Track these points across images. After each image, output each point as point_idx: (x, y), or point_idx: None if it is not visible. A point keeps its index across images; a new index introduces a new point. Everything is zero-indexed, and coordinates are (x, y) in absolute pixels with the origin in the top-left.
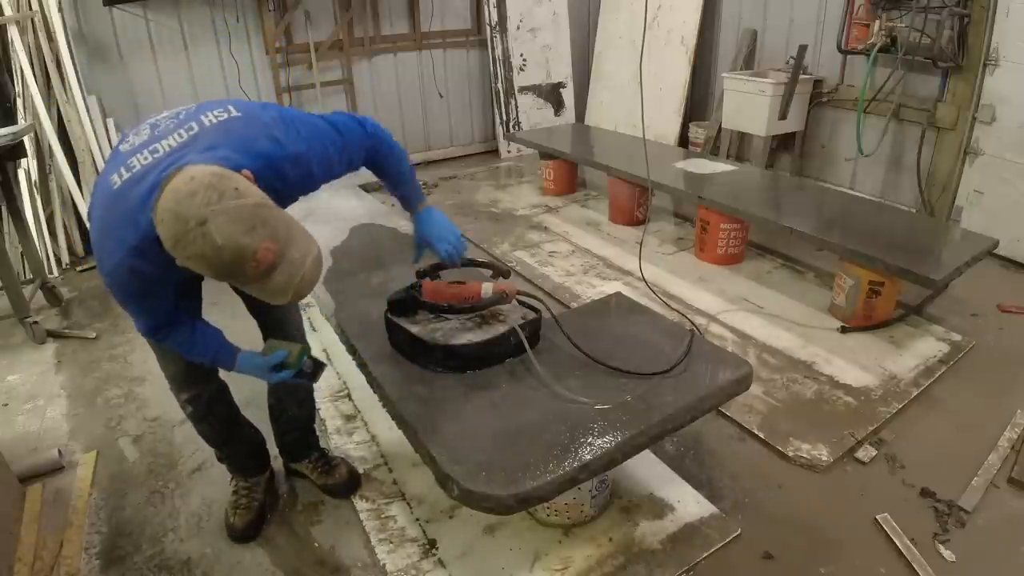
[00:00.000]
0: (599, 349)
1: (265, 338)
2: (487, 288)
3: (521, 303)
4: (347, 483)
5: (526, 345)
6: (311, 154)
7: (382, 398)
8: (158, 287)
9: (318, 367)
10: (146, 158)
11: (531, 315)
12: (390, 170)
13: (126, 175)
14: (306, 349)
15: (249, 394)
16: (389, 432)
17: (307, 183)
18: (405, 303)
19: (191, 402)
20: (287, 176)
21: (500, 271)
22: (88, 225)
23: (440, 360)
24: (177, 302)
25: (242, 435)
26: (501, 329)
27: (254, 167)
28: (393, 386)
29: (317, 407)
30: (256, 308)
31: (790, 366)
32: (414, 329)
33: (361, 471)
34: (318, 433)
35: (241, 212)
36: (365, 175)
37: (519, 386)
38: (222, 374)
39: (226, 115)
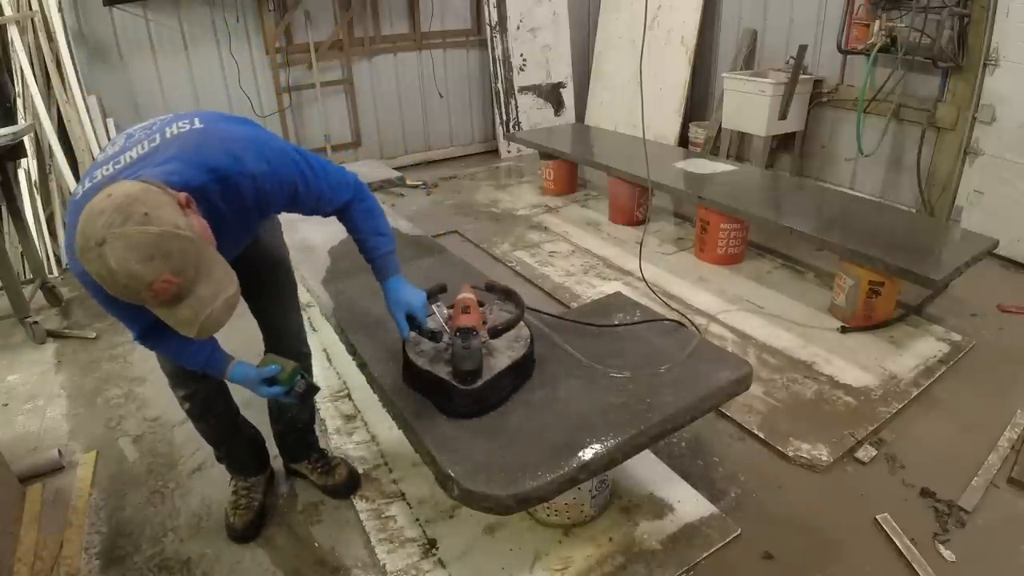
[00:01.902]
0: (598, 347)
1: (266, 340)
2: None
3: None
4: (347, 484)
5: (539, 326)
6: (271, 177)
7: (382, 398)
8: None
9: (310, 389)
10: (108, 170)
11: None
12: (366, 227)
13: (88, 185)
14: (300, 369)
15: (249, 394)
16: (389, 432)
17: (265, 204)
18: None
19: (187, 399)
20: (243, 193)
21: (438, 289)
22: None
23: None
24: None
25: (241, 434)
26: (525, 331)
27: (206, 180)
28: (393, 386)
29: (317, 408)
30: (257, 308)
31: (790, 366)
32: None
33: (361, 471)
34: (318, 433)
35: (141, 240)
36: (364, 174)
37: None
38: None
39: (188, 127)
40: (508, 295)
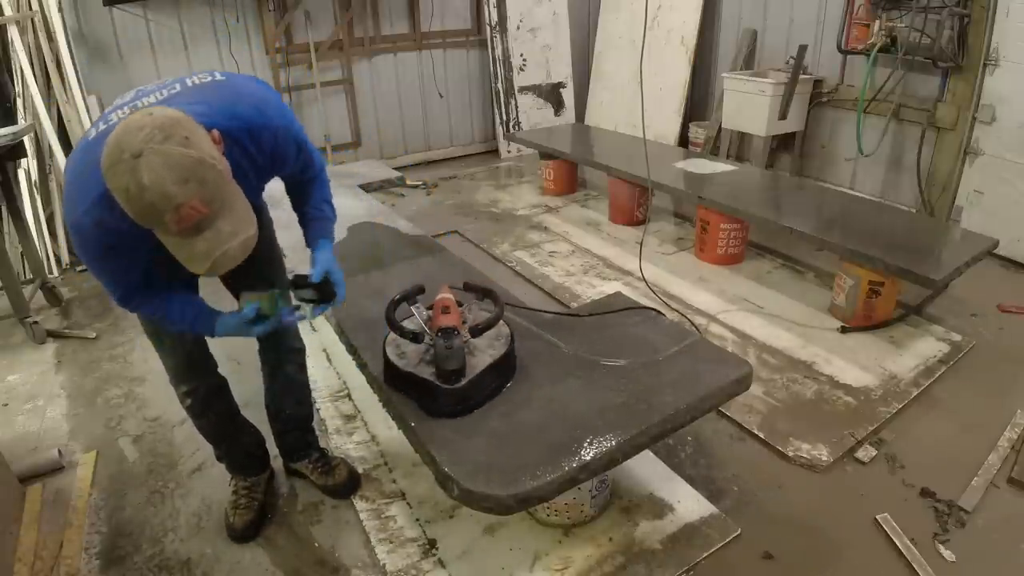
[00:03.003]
0: (593, 343)
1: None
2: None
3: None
4: (347, 484)
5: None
6: (287, 132)
7: (382, 398)
8: (125, 246)
9: (309, 302)
10: (125, 113)
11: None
12: (318, 195)
13: (103, 127)
14: (279, 293)
15: (249, 394)
16: (389, 432)
17: (279, 159)
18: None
19: (189, 395)
20: (263, 145)
21: (416, 291)
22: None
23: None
24: (150, 270)
25: (241, 433)
26: (505, 330)
27: (231, 127)
28: None
29: (316, 407)
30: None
31: (790, 366)
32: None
33: (361, 471)
34: (318, 433)
35: (179, 160)
36: (364, 174)
37: (519, 386)
38: (222, 371)
39: (210, 79)
40: (486, 294)
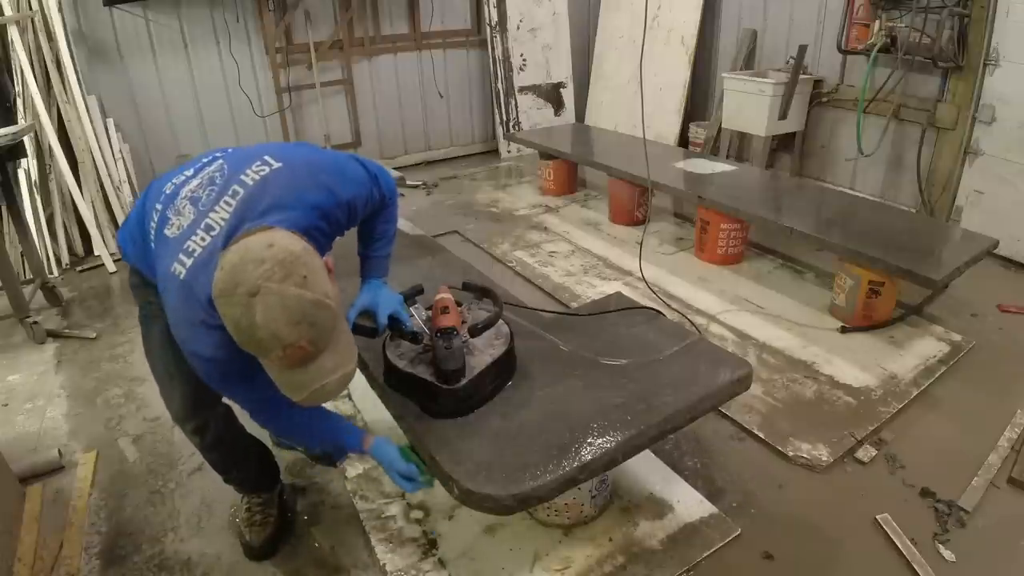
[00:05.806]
0: (596, 346)
1: None
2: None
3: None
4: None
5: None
6: (359, 197)
7: (382, 398)
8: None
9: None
10: (203, 239)
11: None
12: (384, 229)
13: (188, 262)
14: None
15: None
16: (389, 432)
17: (351, 223)
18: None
19: (198, 432)
20: (339, 221)
21: (415, 291)
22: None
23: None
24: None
25: (250, 454)
26: (504, 329)
27: (312, 221)
28: None
29: None
30: None
31: (790, 366)
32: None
33: (361, 470)
34: None
35: (295, 303)
36: None
37: (519, 386)
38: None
39: (267, 168)
40: (485, 293)
